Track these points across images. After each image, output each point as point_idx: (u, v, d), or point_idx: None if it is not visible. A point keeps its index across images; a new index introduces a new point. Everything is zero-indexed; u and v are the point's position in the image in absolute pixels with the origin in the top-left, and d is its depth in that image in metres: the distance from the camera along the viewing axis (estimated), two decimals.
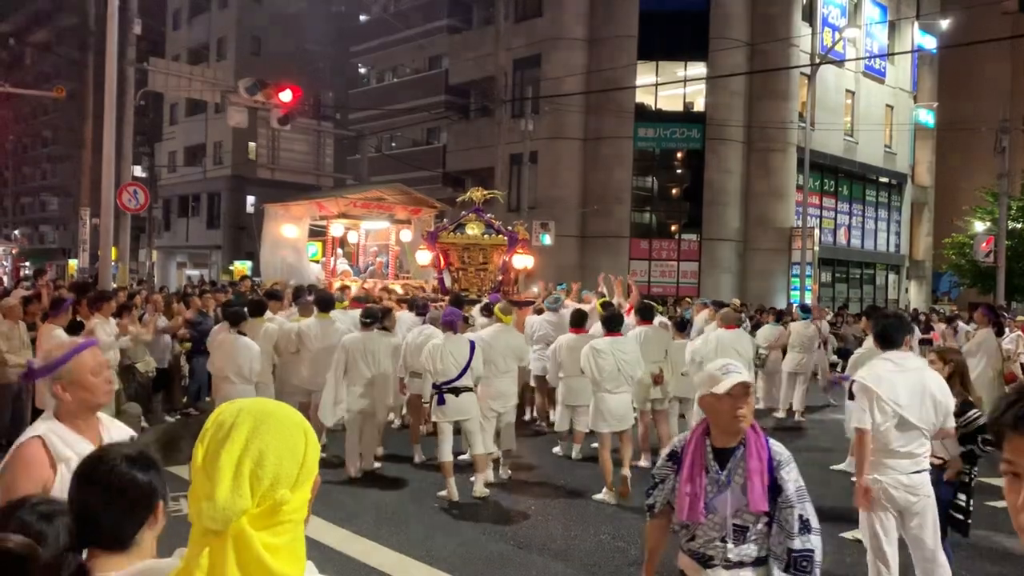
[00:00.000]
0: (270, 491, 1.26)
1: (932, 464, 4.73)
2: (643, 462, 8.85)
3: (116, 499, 1.76)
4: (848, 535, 6.64)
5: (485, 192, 14.19)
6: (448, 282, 13.82)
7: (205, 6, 44.85)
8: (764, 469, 2.94)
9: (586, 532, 6.73)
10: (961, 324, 15.81)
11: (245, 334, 8.47)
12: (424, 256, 13.85)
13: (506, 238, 13.47)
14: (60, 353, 2.61)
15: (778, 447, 3.05)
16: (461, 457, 8.14)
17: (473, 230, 13.54)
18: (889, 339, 4.69)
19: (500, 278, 13.43)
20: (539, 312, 11.54)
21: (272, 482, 1.26)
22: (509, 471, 8.50)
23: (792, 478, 2.97)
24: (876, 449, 4.51)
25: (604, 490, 7.68)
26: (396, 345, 9.01)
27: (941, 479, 4.95)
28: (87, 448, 2.53)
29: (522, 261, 13.61)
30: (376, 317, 8.49)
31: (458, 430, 7.75)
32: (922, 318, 19.71)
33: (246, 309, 8.76)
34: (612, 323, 8.01)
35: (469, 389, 7.61)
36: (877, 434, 4.47)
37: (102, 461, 1.80)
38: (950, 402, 4.55)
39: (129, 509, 1.77)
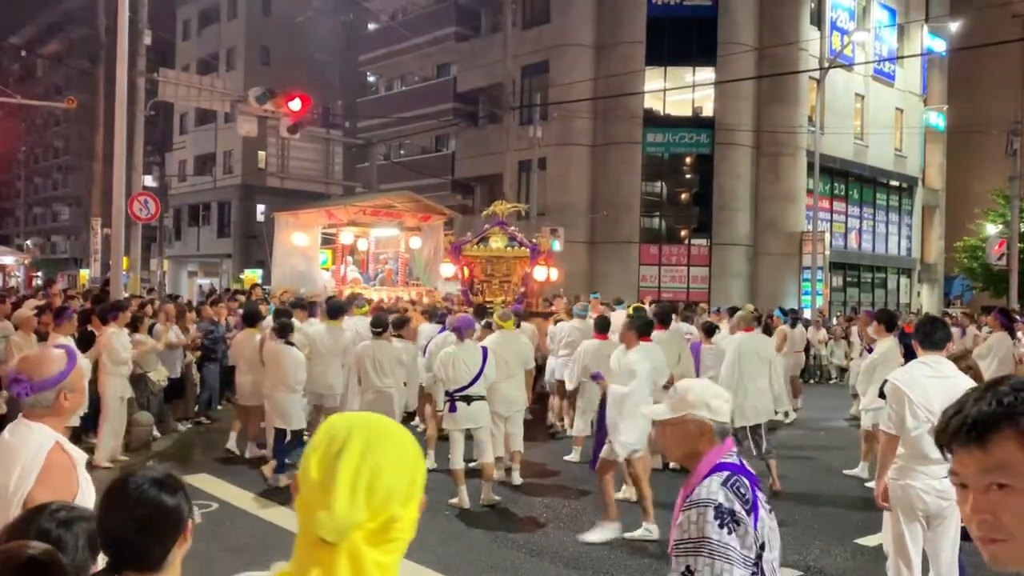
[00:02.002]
0: (383, 506, 1.26)
1: None
2: (655, 463, 8.89)
3: (146, 523, 1.76)
4: (862, 541, 6.59)
5: (509, 205, 14.34)
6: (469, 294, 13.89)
7: (214, 17, 45.15)
8: (678, 508, 2.56)
9: None
10: (972, 328, 15.59)
11: (294, 344, 8.59)
12: (448, 268, 13.90)
13: (528, 250, 13.55)
14: (62, 363, 2.68)
15: (703, 488, 2.50)
16: (471, 464, 8.13)
17: (497, 243, 13.62)
18: (932, 340, 4.57)
19: (523, 289, 13.48)
20: (558, 322, 11.65)
21: (385, 497, 1.26)
22: (520, 478, 8.51)
23: (686, 523, 2.46)
24: (908, 454, 4.42)
25: (624, 488, 7.72)
26: (406, 352, 9.06)
27: None
28: (75, 448, 2.70)
29: (544, 272, 13.67)
30: (385, 325, 8.43)
31: (470, 436, 7.76)
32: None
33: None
34: (644, 328, 8.07)
35: (481, 397, 7.61)
36: (908, 439, 4.37)
37: (129, 485, 1.80)
38: None
39: (160, 533, 1.77)
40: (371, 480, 1.26)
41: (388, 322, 8.62)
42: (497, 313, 9.13)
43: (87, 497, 2.54)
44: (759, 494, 2.52)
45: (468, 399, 7.52)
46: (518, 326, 10.23)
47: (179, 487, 1.83)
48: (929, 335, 4.59)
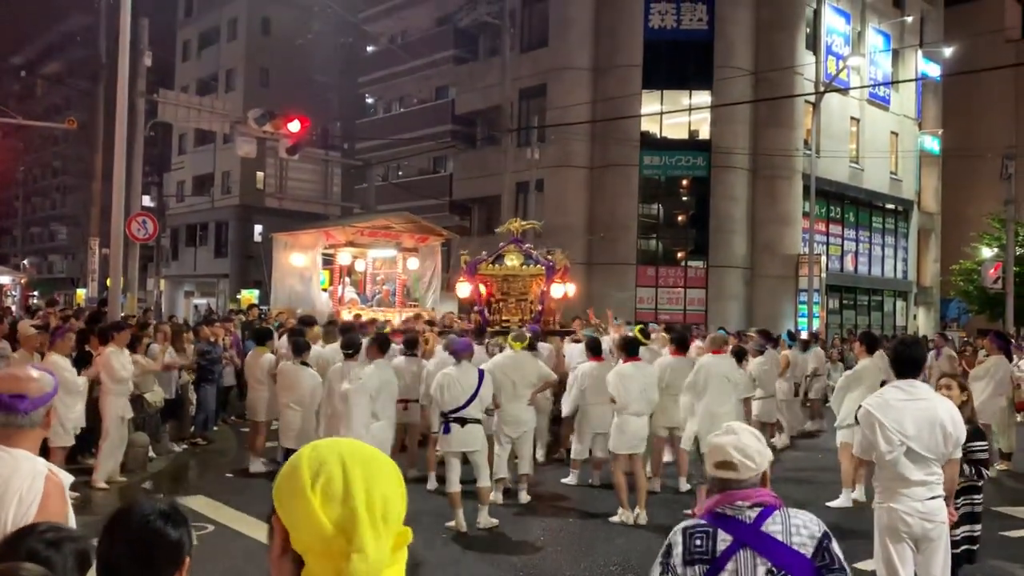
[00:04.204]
0: (394, 529, 1.28)
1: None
2: (653, 486, 8.89)
3: (146, 554, 1.75)
4: (860, 566, 6.56)
5: (523, 223, 14.29)
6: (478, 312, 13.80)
7: (214, 38, 45.41)
8: None
9: (595, 563, 6.67)
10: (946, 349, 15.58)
11: (309, 364, 8.56)
12: (464, 288, 13.79)
13: (544, 268, 13.47)
14: (51, 381, 2.68)
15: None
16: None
17: (512, 261, 13.56)
18: (905, 365, 4.57)
19: (539, 308, 13.40)
20: (577, 342, 11.54)
21: (396, 522, 1.28)
22: (528, 496, 8.53)
23: None
24: (888, 478, 4.44)
25: (620, 511, 7.70)
26: (416, 368, 9.07)
27: None
28: (61, 471, 2.66)
29: (560, 290, 13.59)
30: (356, 347, 8.11)
31: (466, 461, 7.71)
32: (931, 345, 19.61)
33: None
34: (631, 349, 8.08)
35: (477, 420, 7.54)
36: (885, 463, 4.40)
37: (135, 513, 1.79)
38: (961, 433, 4.44)
39: (158, 565, 1.77)
40: (384, 512, 1.26)
41: (359, 344, 8.31)
42: (511, 335, 9.08)
43: (71, 521, 2.52)
44: (752, 562, 2.44)
45: (462, 421, 7.44)
46: (533, 347, 10.24)
47: (184, 521, 1.82)
48: (904, 365, 4.60)
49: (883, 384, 5.32)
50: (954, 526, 4.94)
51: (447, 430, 7.48)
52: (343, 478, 1.26)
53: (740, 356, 10.18)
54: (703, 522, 2.55)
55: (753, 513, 2.50)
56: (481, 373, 7.62)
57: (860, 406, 4.65)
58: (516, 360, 8.49)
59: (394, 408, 7.36)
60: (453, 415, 7.45)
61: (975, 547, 5.18)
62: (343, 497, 1.24)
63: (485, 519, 7.54)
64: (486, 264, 13.62)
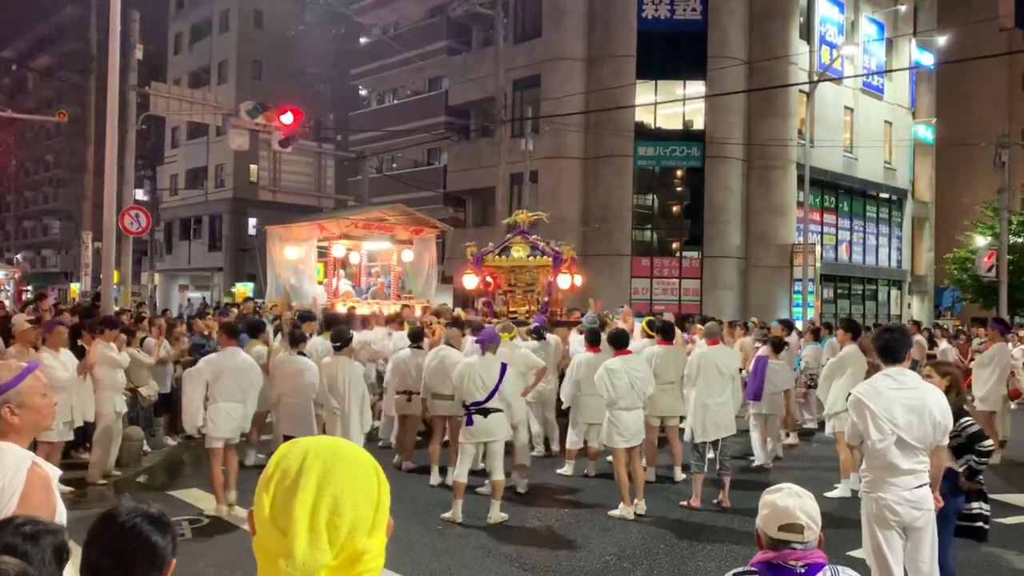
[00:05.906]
0: (348, 540, 1.18)
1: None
2: (648, 476, 8.89)
3: (128, 558, 1.74)
4: (853, 554, 6.58)
5: (530, 214, 14.26)
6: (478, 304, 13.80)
7: (206, 31, 45.21)
8: None
9: (591, 553, 6.68)
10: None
11: (305, 354, 8.56)
12: (471, 280, 13.76)
13: (551, 258, 13.44)
14: (8, 375, 2.60)
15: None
16: (482, 486, 8.06)
17: (519, 252, 13.53)
18: (891, 353, 4.57)
19: (546, 299, 13.38)
20: (582, 332, 11.56)
21: (350, 530, 1.17)
22: (525, 487, 8.54)
23: None
24: (877, 467, 4.45)
25: (621, 505, 7.69)
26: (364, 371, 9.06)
27: (949, 491, 4.86)
28: (49, 464, 2.60)
29: (567, 281, 13.57)
30: (345, 341, 8.04)
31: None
32: (925, 333, 19.67)
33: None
34: (619, 342, 8.03)
35: (499, 410, 7.52)
36: (875, 452, 4.41)
37: (121, 516, 1.78)
38: (949, 421, 4.47)
39: (141, 569, 1.75)
40: (331, 516, 1.17)
41: (349, 338, 8.25)
42: (498, 325, 9.08)
43: (61, 515, 2.49)
44: None
45: (485, 412, 7.43)
46: (542, 337, 10.22)
47: (170, 527, 1.82)
48: (889, 353, 4.59)
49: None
50: (967, 501, 5.00)
51: (470, 422, 7.48)
52: (296, 474, 1.20)
53: (779, 347, 10.27)
54: (753, 569, 2.59)
55: (803, 570, 2.54)
56: (504, 367, 7.59)
57: (850, 394, 4.66)
58: (504, 350, 8.48)
59: (247, 394, 7.50)
60: (475, 406, 7.46)
61: (987, 525, 5.21)
62: (288, 492, 1.19)
63: (496, 514, 7.49)
64: (493, 255, 13.61)
